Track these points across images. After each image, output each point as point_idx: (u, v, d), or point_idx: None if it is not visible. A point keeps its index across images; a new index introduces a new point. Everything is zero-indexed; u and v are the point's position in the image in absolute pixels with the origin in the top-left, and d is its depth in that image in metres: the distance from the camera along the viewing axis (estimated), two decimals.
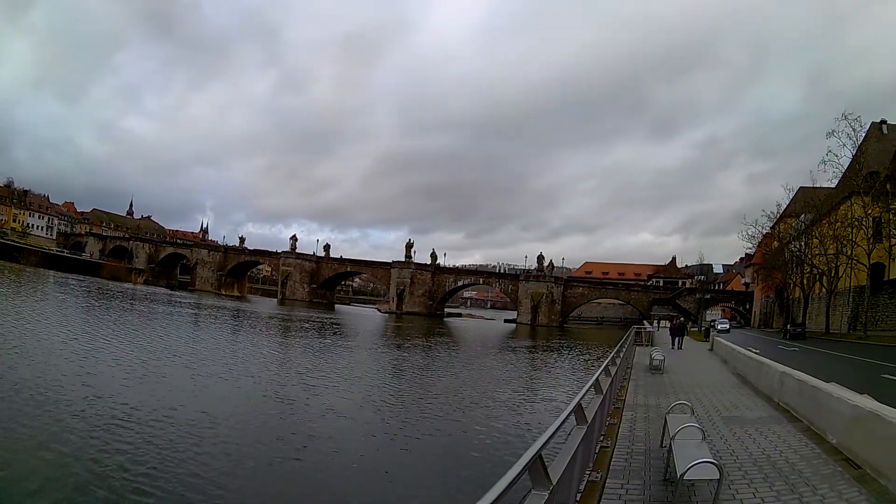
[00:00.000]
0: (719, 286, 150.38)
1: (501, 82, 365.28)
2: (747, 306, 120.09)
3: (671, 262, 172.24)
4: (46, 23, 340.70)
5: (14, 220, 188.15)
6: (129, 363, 30.19)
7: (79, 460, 15.15)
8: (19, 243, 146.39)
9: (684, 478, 7.94)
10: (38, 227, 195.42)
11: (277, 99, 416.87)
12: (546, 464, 5.67)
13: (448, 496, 16.05)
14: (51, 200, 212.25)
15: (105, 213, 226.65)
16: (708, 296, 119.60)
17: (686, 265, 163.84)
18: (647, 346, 46.34)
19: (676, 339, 44.89)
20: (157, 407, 21.58)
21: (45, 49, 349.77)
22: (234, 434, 19.82)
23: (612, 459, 11.25)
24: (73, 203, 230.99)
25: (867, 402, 10.70)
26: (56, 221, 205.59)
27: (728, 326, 78.97)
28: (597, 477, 9.79)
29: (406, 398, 29.95)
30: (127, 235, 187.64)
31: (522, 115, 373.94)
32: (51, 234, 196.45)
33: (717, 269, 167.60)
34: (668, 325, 59.38)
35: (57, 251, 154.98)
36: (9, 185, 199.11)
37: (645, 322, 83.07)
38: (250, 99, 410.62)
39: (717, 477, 7.98)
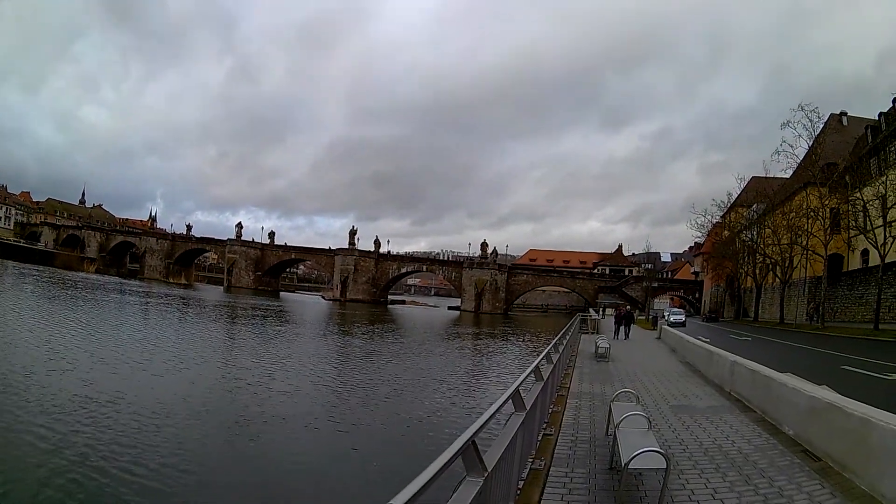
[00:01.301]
0: (667, 275, 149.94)
1: (451, 71, 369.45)
2: (697, 295, 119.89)
3: (618, 250, 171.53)
4: (12, 12, 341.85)
5: None
6: (76, 354, 29.42)
7: (27, 452, 14.56)
8: None
9: (630, 466, 7.66)
10: None
11: (230, 88, 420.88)
12: (482, 450, 5.37)
13: (384, 481, 15.42)
14: (8, 190, 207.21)
15: (59, 202, 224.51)
16: (655, 284, 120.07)
17: (633, 253, 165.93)
18: (592, 333, 46.22)
19: (622, 328, 43.63)
20: (107, 397, 21.09)
21: (7, 39, 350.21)
22: (187, 423, 19.48)
23: (556, 447, 10.97)
24: (29, 193, 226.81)
25: (825, 394, 10.57)
26: (13, 212, 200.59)
27: (683, 318, 67.91)
28: (540, 465, 9.60)
29: (348, 384, 29.79)
30: (79, 224, 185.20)
31: (471, 105, 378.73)
32: (8, 225, 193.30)
33: (665, 258, 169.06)
34: (614, 312, 57.85)
35: (13, 241, 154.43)
36: None
37: (591, 310, 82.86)
38: (203, 88, 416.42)
39: (664, 466, 7.64)
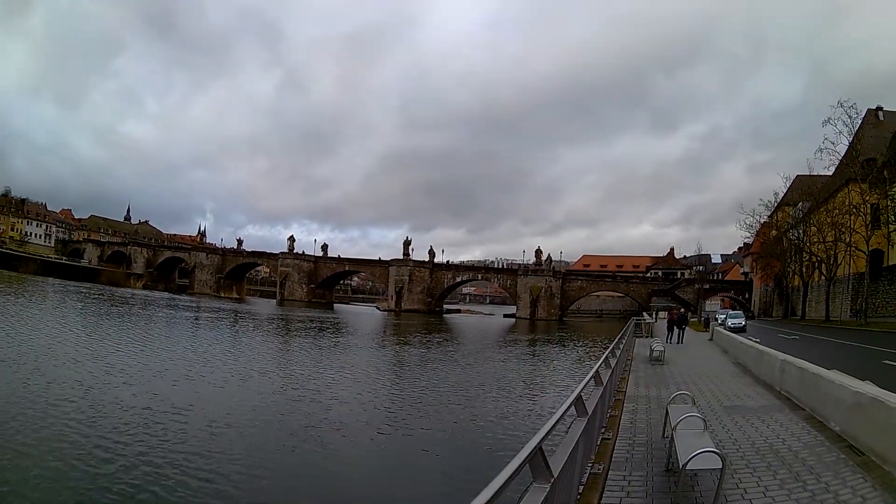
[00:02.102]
0: (718, 276, 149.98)
1: (503, 78, 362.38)
2: (746, 296, 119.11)
3: (669, 253, 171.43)
4: (45, 27, 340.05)
5: (12, 229, 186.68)
6: (137, 368, 29.95)
7: (102, 462, 15.03)
8: (18, 252, 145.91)
9: (686, 468, 7.82)
10: (36, 235, 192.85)
11: (279, 99, 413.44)
12: (546, 456, 5.52)
13: (452, 489, 15.80)
14: (48, 208, 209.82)
15: (102, 219, 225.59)
16: (707, 286, 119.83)
17: (685, 256, 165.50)
18: (646, 337, 46.32)
19: (676, 331, 42.32)
20: (175, 409, 21.59)
21: (42, 54, 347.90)
22: (256, 432, 19.96)
23: (614, 451, 11.15)
24: (70, 210, 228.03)
25: (869, 389, 10.65)
26: (54, 229, 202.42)
27: (743, 322, 58.42)
28: (599, 469, 9.68)
29: (409, 392, 30.01)
30: (125, 241, 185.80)
31: (523, 111, 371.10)
32: (49, 242, 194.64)
33: (716, 259, 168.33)
34: (667, 316, 55.64)
35: (55, 258, 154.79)
36: (6, 194, 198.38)
37: (644, 314, 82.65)
38: (252, 99, 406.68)
39: (720, 466, 7.81)
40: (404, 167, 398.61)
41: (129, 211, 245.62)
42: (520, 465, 4.75)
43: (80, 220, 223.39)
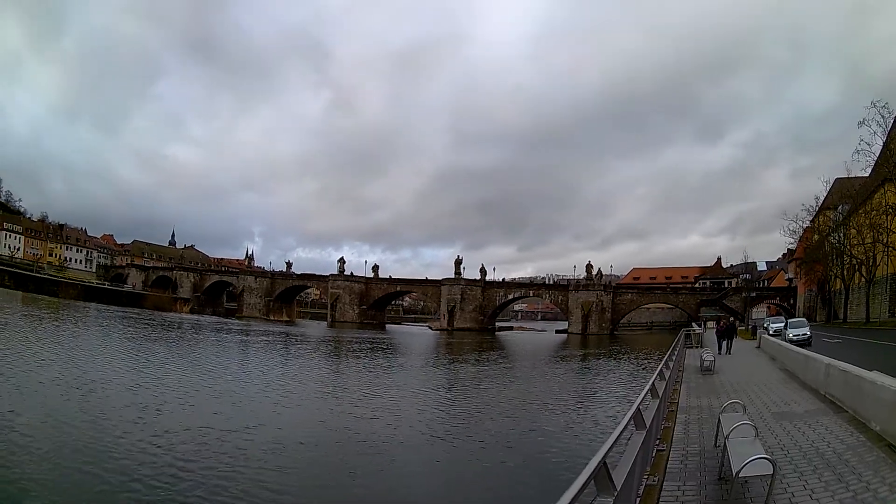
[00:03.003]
0: (763, 283, 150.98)
1: (552, 92, 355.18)
2: (791, 301, 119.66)
3: (716, 262, 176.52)
4: (79, 50, 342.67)
5: (51, 255, 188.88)
6: (196, 391, 31.60)
7: (173, 479, 16.38)
8: (57, 277, 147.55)
9: (739, 475, 8.47)
10: (76, 260, 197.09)
11: (328, 119, 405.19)
12: (610, 470, 6.13)
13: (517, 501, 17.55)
14: (88, 233, 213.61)
15: (146, 243, 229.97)
16: (753, 294, 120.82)
17: (731, 265, 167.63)
18: (696, 347, 47.33)
19: (725, 342, 41.88)
20: (239, 428, 23.11)
21: (78, 77, 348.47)
22: (314, 452, 21.23)
23: (668, 462, 11.84)
24: (111, 235, 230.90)
25: None
26: (95, 254, 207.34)
27: (808, 333, 44.62)
28: (654, 481, 10.25)
29: (470, 409, 31.51)
30: (170, 265, 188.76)
31: (573, 125, 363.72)
32: (90, 267, 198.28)
33: (761, 267, 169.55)
34: (714, 326, 57.55)
35: (97, 283, 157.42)
36: (43, 220, 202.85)
37: (693, 324, 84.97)
38: (300, 120, 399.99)
39: (771, 472, 8.44)
40: (456, 185, 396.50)
41: (173, 235, 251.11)
42: (587, 480, 5.38)
43: (122, 245, 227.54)
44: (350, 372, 48.26)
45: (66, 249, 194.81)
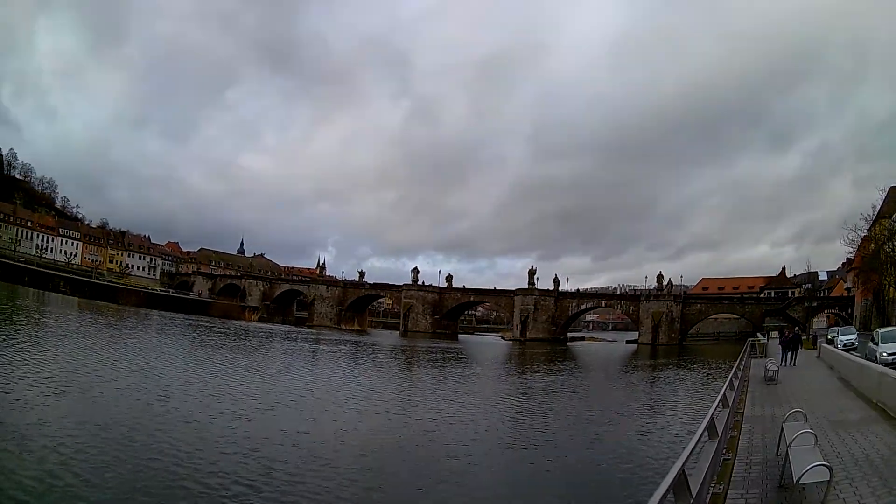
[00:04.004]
0: (824, 293, 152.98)
1: (629, 102, 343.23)
2: (849, 311, 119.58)
3: (781, 272, 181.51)
4: (144, 57, 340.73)
5: (111, 261, 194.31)
6: (273, 399, 33.47)
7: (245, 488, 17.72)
8: (116, 283, 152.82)
9: (798, 482, 9.68)
10: (139, 267, 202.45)
11: (408, 130, 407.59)
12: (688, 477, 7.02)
13: None
14: (152, 241, 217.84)
15: (213, 251, 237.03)
16: (815, 303, 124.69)
17: (795, 274, 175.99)
18: (760, 357, 49.99)
19: (790, 353, 42.86)
20: (326, 434, 25.40)
21: (143, 85, 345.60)
22: (393, 458, 22.99)
23: (733, 471, 13.02)
24: (177, 243, 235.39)
25: None
26: (159, 261, 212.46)
27: (855, 340, 52.10)
28: (719, 489, 11.31)
29: (545, 419, 33.01)
30: (239, 273, 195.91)
31: (650, 136, 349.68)
32: (153, 274, 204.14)
33: (823, 276, 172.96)
34: (778, 336, 61.33)
35: (161, 291, 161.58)
36: (103, 227, 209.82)
37: (758, 334, 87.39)
38: (379, 131, 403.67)
39: (828, 479, 9.54)
40: (534, 196, 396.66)
41: (242, 244, 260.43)
42: (669, 488, 6.24)
43: (188, 252, 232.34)
44: (425, 381, 50.81)
45: (129, 256, 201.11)
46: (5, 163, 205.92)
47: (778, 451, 13.87)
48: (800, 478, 9.66)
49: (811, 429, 12.69)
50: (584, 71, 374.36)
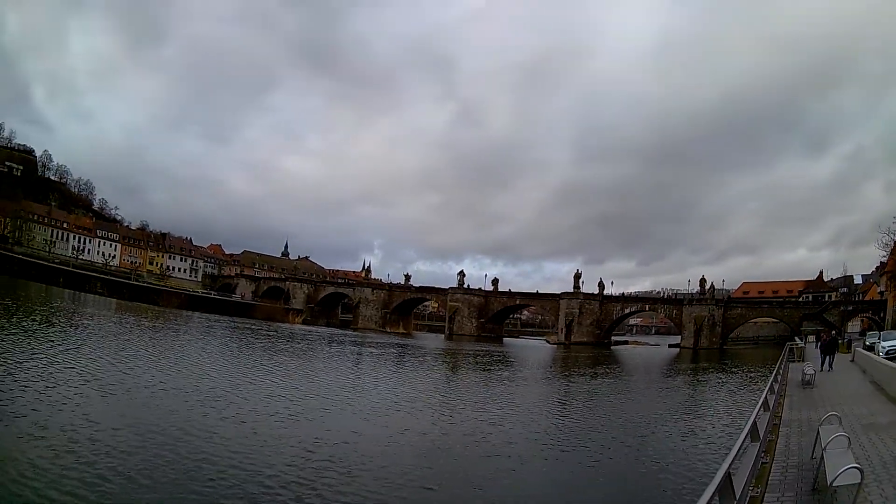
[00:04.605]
0: (858, 296, 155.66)
1: (671, 106, 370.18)
2: (882, 314, 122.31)
3: (818, 276, 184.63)
4: (183, 59, 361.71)
5: (151, 263, 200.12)
6: (327, 400, 35.31)
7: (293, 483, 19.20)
8: (156, 285, 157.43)
9: (831, 485, 10.18)
10: (180, 269, 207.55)
11: (453, 133, 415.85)
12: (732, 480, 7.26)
13: None
14: (194, 243, 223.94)
15: (257, 254, 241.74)
16: (850, 307, 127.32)
17: (831, 278, 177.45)
18: (798, 361, 50.98)
19: (827, 357, 43.35)
20: (362, 439, 26.38)
21: (183, 87, 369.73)
22: (442, 458, 24.49)
23: (770, 474, 13.66)
24: (219, 245, 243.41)
25: None
26: (201, 264, 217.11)
27: None
28: (757, 492, 11.87)
29: (591, 422, 34.20)
30: (283, 276, 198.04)
31: (692, 139, 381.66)
32: (195, 277, 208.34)
33: (857, 280, 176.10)
34: (815, 340, 63.48)
35: (203, 293, 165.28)
36: (143, 229, 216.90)
37: (796, 338, 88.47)
38: (423, 134, 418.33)
39: (859, 481, 9.93)
40: (578, 200, 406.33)
41: (286, 247, 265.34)
42: (715, 490, 6.64)
43: (230, 255, 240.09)
44: (472, 383, 52.57)
45: (170, 258, 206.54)
46: (39, 164, 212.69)
47: (813, 454, 14.51)
48: (833, 480, 10.22)
49: (845, 432, 13.19)
50: (626, 74, 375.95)
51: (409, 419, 31.74)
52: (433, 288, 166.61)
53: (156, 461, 19.86)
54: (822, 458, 12.20)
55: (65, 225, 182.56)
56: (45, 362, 34.61)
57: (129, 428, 23.29)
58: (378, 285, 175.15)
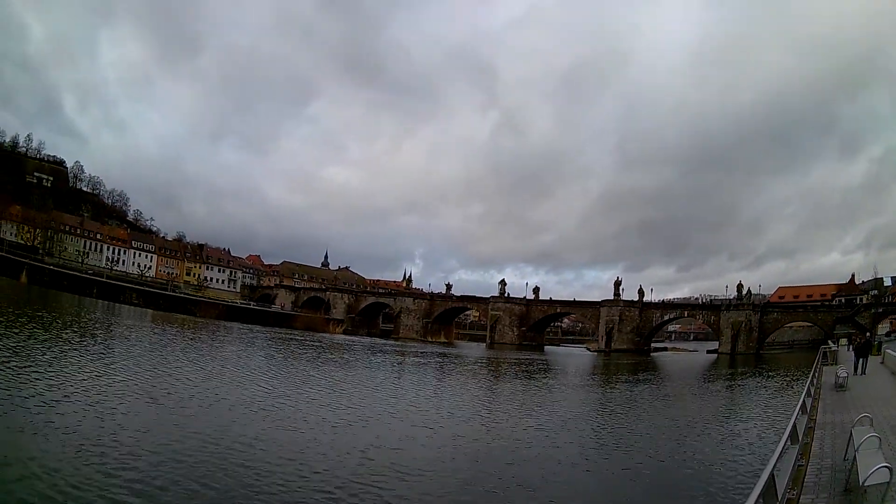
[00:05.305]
0: (887, 298, 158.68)
1: (712, 111, 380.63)
2: None
3: (850, 279, 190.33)
4: (219, 70, 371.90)
5: (188, 274, 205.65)
6: (376, 409, 36.92)
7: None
8: (193, 296, 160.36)
9: (863, 485, 10.69)
10: (218, 280, 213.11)
11: (495, 141, 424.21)
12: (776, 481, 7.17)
13: None
14: (232, 253, 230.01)
15: (296, 264, 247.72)
16: (881, 309, 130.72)
17: (863, 281, 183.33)
18: (832, 364, 52.63)
19: (860, 360, 43.69)
20: (411, 444, 28.18)
21: (220, 98, 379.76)
22: (485, 462, 26.08)
23: (805, 476, 14.14)
24: (258, 256, 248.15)
25: None
26: (239, 274, 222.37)
27: None
28: (793, 494, 12.26)
29: (632, 425, 36.15)
30: (323, 286, 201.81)
31: (731, 144, 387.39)
32: (233, 287, 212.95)
33: (888, 282, 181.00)
34: (847, 343, 65.52)
35: (242, 303, 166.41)
36: (179, 239, 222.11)
37: (829, 341, 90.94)
38: (466, 142, 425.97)
39: (888, 480, 10.57)
40: (619, 207, 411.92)
41: (326, 257, 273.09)
42: (761, 493, 6.91)
43: (269, 265, 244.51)
44: (514, 390, 54.48)
45: (207, 269, 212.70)
46: (71, 175, 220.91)
47: (846, 455, 14.91)
48: (865, 480, 10.88)
49: (876, 433, 13.76)
50: (665, 79, 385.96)
51: (459, 426, 33.59)
52: (474, 297, 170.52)
53: (221, 469, 21.32)
54: (854, 458, 12.94)
55: (98, 236, 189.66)
56: (91, 374, 36.16)
57: (187, 439, 24.57)
58: (419, 295, 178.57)
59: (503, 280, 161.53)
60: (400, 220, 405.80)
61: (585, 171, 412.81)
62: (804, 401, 19.16)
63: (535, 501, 21.17)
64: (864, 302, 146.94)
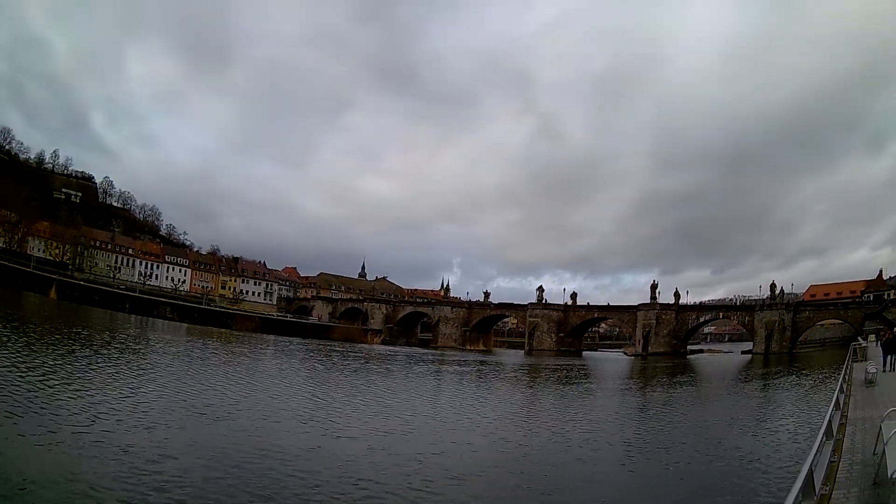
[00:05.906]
0: None
1: (743, 111, 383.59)
2: None
3: (878, 275, 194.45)
4: (250, 83, 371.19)
5: (223, 287, 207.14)
6: (417, 416, 38.88)
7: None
8: (228, 309, 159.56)
9: (890, 477, 11.01)
10: (254, 293, 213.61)
11: (532, 147, 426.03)
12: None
13: None
14: (268, 266, 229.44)
15: (333, 276, 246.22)
16: None
17: (890, 276, 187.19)
18: (861, 361, 53.39)
19: (889, 356, 45.18)
20: (456, 449, 29.86)
21: (252, 110, 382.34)
22: (527, 464, 27.71)
23: (837, 471, 14.62)
24: (294, 268, 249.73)
25: None
26: (275, 287, 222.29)
27: None
28: (826, 489, 12.66)
29: (672, 425, 37.96)
30: (360, 297, 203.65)
31: (763, 144, 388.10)
32: (269, 300, 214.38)
33: None
34: (875, 339, 67.46)
35: (278, 316, 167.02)
36: (213, 253, 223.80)
37: (859, 338, 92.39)
38: (502, 149, 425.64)
39: None
40: (655, 210, 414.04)
41: (363, 267, 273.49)
42: (801, 488, 7.20)
43: (306, 277, 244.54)
44: (553, 396, 56.47)
45: (242, 282, 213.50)
46: (100, 191, 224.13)
47: (875, 450, 15.47)
48: (893, 473, 11.47)
49: None
50: (699, 80, 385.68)
51: (504, 431, 35.00)
52: (512, 304, 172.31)
53: (277, 481, 22.18)
54: (883, 452, 13.34)
55: (130, 251, 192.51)
56: (133, 386, 37.78)
57: (241, 451, 25.80)
58: (457, 303, 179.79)
59: (541, 286, 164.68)
60: (437, 229, 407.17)
61: (621, 175, 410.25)
62: (837, 397, 20.69)
63: (583, 502, 22.94)
64: (892, 297, 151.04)
